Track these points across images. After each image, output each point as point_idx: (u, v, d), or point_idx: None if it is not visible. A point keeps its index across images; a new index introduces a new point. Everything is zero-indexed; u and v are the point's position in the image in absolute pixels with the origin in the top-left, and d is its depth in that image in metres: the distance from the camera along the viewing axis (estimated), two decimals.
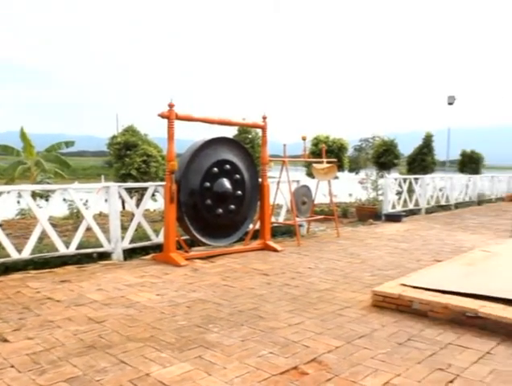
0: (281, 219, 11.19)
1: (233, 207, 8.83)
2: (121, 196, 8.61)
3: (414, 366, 4.07)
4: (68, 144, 20.72)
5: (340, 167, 15.26)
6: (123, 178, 10.93)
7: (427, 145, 18.90)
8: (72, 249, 7.83)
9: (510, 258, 7.68)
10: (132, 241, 8.54)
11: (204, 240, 8.60)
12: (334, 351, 4.36)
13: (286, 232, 11.06)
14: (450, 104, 28.65)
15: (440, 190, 18.01)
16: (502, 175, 24.84)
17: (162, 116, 7.98)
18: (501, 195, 23.06)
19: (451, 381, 3.80)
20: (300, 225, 10.92)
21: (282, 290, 6.40)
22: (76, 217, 10.78)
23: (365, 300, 5.94)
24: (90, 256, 8.11)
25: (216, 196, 8.55)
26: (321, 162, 11.28)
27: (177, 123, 8.10)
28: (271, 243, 9.37)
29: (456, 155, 24.69)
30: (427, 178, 16.96)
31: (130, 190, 9.67)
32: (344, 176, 18.59)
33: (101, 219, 10.21)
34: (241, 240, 9.38)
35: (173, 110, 7.99)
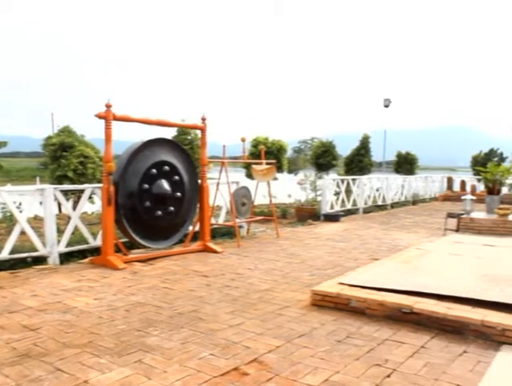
0: (221, 220, 11.18)
1: (172, 208, 8.75)
2: (56, 199, 8.38)
3: (352, 362, 4.15)
4: (1, 144, 19.96)
5: (280, 168, 15.40)
6: (59, 179, 10.65)
7: (364, 147, 19.34)
8: (5, 254, 7.55)
9: (443, 255, 7.96)
10: (69, 245, 8.32)
11: (143, 242, 8.48)
12: (274, 350, 4.39)
13: (226, 233, 11.06)
14: (386, 106, 29.43)
15: (377, 190, 18.43)
16: (435, 176, 25.70)
17: (99, 116, 7.82)
18: (435, 195, 23.85)
19: (388, 376, 3.90)
20: (240, 226, 10.95)
21: (223, 292, 6.39)
22: (9, 221, 10.41)
23: (304, 299, 6.01)
24: (25, 261, 7.85)
25: (155, 198, 8.45)
26: (260, 164, 11.33)
27: (115, 124, 7.96)
28: (211, 244, 9.34)
29: (392, 156, 25.39)
30: (364, 179, 17.34)
31: (66, 193, 9.43)
32: (284, 177, 18.75)
33: (36, 222, 9.91)
34: (180, 241, 9.31)
35: (110, 111, 7.85)
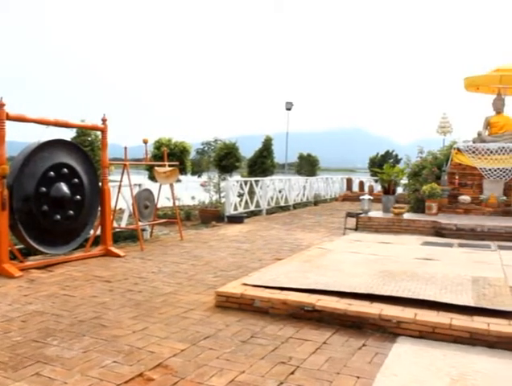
0: (123, 223, 10.94)
1: (71, 212, 8.44)
2: None
3: (257, 362, 4.19)
4: None
5: (183, 170, 15.33)
6: None
7: (266, 149, 19.64)
8: None
9: (343, 254, 8.24)
10: None
11: (40, 248, 8.11)
12: (179, 354, 4.35)
13: (129, 236, 10.83)
14: (288, 109, 30.03)
15: (280, 191, 18.79)
16: (336, 177, 26.60)
17: None
18: (335, 196, 24.68)
19: (292, 373, 3.98)
20: (143, 229, 10.78)
21: (126, 296, 6.25)
22: None
23: (208, 301, 6.00)
24: None
25: (53, 202, 8.11)
26: (163, 166, 11.22)
27: (9, 124, 7.56)
28: (113, 248, 9.12)
29: (294, 158, 25.99)
30: (266, 181, 17.60)
31: None
32: (187, 179, 18.69)
33: None
34: (81, 246, 9.00)
35: (3, 110, 7.44)
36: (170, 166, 11.26)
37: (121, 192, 10.30)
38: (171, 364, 4.11)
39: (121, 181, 10.11)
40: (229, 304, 5.73)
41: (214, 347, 4.51)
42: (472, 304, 5.23)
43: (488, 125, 14.14)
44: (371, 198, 13.09)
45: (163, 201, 12.84)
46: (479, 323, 4.78)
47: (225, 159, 17.64)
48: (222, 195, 16.30)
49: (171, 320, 5.31)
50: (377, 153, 27.46)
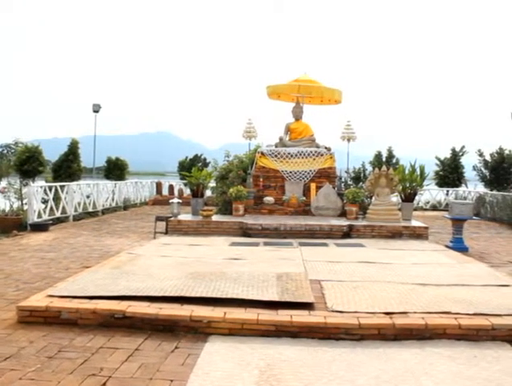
0: None
1: None
2: None
3: (66, 377, 4.02)
4: None
5: None
6: None
7: (73, 152, 18.90)
8: None
9: (153, 258, 8.22)
10: None
11: None
12: None
13: None
14: (95, 111, 29.09)
15: (88, 196, 18.16)
16: (145, 181, 26.42)
17: None
18: (145, 200, 24.51)
19: (103, 384, 3.90)
20: None
21: None
22: None
23: (10, 317, 5.57)
24: None
25: None
26: None
27: None
28: None
29: (103, 162, 25.33)
30: (73, 186, 16.89)
31: None
32: None
33: None
34: None
35: None
36: None
37: None
38: None
39: None
40: (34, 318, 5.40)
41: (16, 367, 4.21)
42: (276, 299, 5.59)
43: (288, 130, 15.17)
44: (180, 201, 13.23)
45: None
46: (283, 316, 5.14)
47: (27, 163, 16.56)
48: (24, 201, 15.27)
49: None
50: (187, 157, 27.88)
